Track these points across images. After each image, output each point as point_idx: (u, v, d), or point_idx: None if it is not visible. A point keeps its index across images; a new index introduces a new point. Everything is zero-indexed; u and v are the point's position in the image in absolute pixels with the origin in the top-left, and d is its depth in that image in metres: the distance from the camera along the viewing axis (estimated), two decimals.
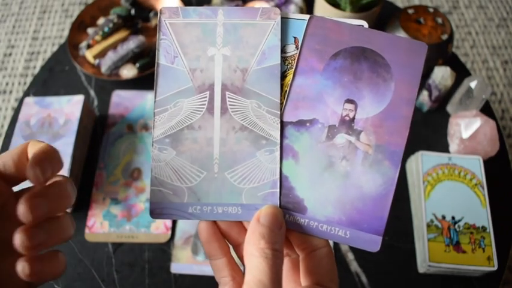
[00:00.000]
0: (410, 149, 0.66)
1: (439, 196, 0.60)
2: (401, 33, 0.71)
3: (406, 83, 0.30)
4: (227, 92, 0.31)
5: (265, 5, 0.79)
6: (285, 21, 0.31)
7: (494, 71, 1.36)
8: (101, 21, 0.81)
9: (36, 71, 1.26)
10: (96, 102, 0.75)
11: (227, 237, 0.30)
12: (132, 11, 0.81)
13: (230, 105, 0.31)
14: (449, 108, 0.72)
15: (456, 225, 0.57)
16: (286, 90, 0.31)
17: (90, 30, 0.80)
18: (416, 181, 0.62)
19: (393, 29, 0.73)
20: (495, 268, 0.55)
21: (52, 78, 0.78)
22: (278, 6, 0.80)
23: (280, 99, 0.30)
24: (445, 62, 0.73)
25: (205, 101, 0.31)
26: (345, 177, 0.29)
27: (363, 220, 0.29)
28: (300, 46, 0.31)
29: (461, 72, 0.73)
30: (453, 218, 0.58)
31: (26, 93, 0.76)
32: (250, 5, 0.80)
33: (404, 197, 0.64)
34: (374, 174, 0.29)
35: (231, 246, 0.31)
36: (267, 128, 0.30)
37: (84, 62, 0.76)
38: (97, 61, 0.76)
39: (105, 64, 0.75)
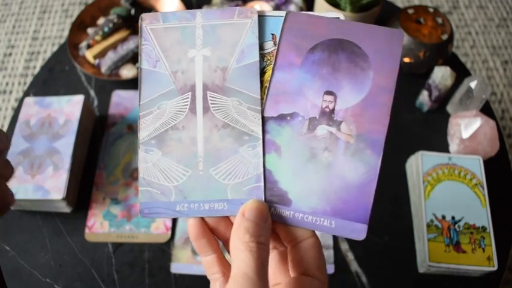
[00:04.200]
0: (410, 149, 0.66)
1: (439, 196, 0.60)
2: None
3: (385, 71, 0.30)
4: (208, 92, 0.31)
5: (265, 5, 0.79)
6: (262, 19, 0.32)
7: (494, 71, 1.36)
8: (101, 21, 0.81)
9: (36, 71, 1.26)
10: (96, 102, 0.75)
11: (215, 233, 0.31)
12: (132, 11, 0.81)
13: (212, 104, 0.31)
14: (449, 108, 0.72)
15: (456, 225, 0.57)
16: (266, 86, 0.31)
17: (90, 30, 0.80)
18: (416, 181, 0.62)
19: None
20: (495, 268, 0.55)
21: (52, 78, 0.78)
22: (278, 6, 0.80)
23: (261, 95, 0.31)
24: (445, 62, 0.73)
25: (188, 101, 0.31)
26: (328, 167, 0.30)
27: (347, 209, 0.29)
28: (278, 42, 0.31)
29: (461, 72, 0.73)
30: (453, 218, 0.58)
31: (26, 93, 0.76)
32: (250, 5, 0.80)
33: (404, 197, 0.64)
34: (356, 163, 0.30)
35: (220, 243, 0.31)
36: (248, 124, 0.31)
37: (84, 62, 0.76)
38: (97, 61, 0.76)
39: (105, 64, 0.75)
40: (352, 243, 0.61)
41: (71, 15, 1.51)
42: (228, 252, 0.30)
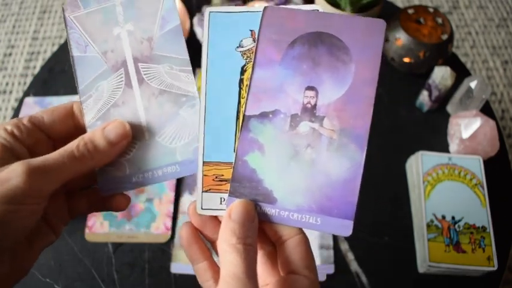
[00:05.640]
0: (410, 149, 0.66)
1: (439, 196, 0.60)
2: (402, 33, 0.71)
3: (367, 63, 0.30)
4: (139, 63, 0.32)
5: (265, 5, 0.79)
6: (240, 15, 0.32)
7: (494, 71, 1.36)
8: None
9: (36, 71, 1.26)
10: None
11: (202, 234, 0.31)
12: None
13: (145, 74, 0.32)
14: (449, 108, 0.72)
15: (456, 225, 0.57)
16: (247, 85, 0.31)
17: None
18: (416, 181, 0.62)
19: (393, 29, 0.73)
20: (495, 268, 0.55)
21: (52, 78, 0.78)
22: (278, 6, 0.80)
23: (242, 94, 0.31)
24: (445, 62, 0.73)
25: (122, 77, 0.32)
26: (312, 164, 0.29)
27: (332, 206, 0.29)
28: (256, 38, 0.31)
29: (461, 72, 0.73)
30: (453, 218, 0.58)
31: (26, 93, 0.76)
32: (250, 4, 0.80)
33: (404, 197, 0.64)
34: (340, 158, 0.29)
35: (211, 248, 0.31)
36: (183, 85, 0.32)
37: None
38: None
39: None
40: (352, 243, 0.61)
41: None
42: (217, 254, 0.31)
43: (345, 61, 0.30)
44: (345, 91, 0.30)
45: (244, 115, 0.30)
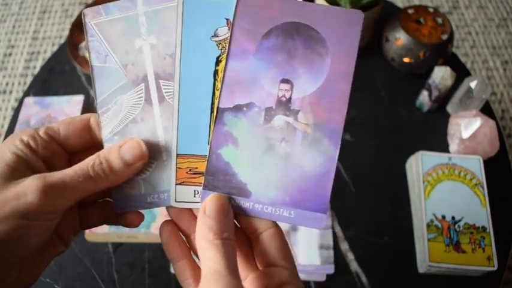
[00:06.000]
0: (410, 149, 0.66)
1: (439, 196, 0.60)
2: (402, 33, 0.71)
3: (343, 57, 0.29)
4: (161, 80, 0.31)
5: None
6: (215, 2, 0.30)
7: (494, 71, 1.36)
8: None
9: (36, 71, 1.26)
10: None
11: (179, 228, 0.31)
12: None
13: (166, 92, 0.31)
14: (449, 108, 0.72)
15: (456, 225, 0.57)
16: (221, 76, 0.30)
17: None
18: (416, 181, 0.62)
19: (393, 29, 0.73)
20: (495, 268, 0.55)
21: (52, 78, 0.78)
22: None
23: (216, 85, 0.30)
24: (445, 62, 0.73)
25: (142, 93, 0.31)
26: (285, 158, 0.29)
27: (305, 199, 0.29)
28: (231, 28, 0.30)
29: (461, 72, 0.73)
30: (453, 218, 0.58)
31: (26, 93, 0.76)
32: None
33: (404, 197, 0.64)
34: (313, 153, 0.29)
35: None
36: None
37: (84, 62, 0.76)
38: None
39: None
40: (352, 243, 0.61)
41: (71, 15, 1.51)
42: (193, 249, 0.31)
43: (321, 54, 0.29)
44: (320, 85, 0.29)
45: (218, 108, 0.30)
